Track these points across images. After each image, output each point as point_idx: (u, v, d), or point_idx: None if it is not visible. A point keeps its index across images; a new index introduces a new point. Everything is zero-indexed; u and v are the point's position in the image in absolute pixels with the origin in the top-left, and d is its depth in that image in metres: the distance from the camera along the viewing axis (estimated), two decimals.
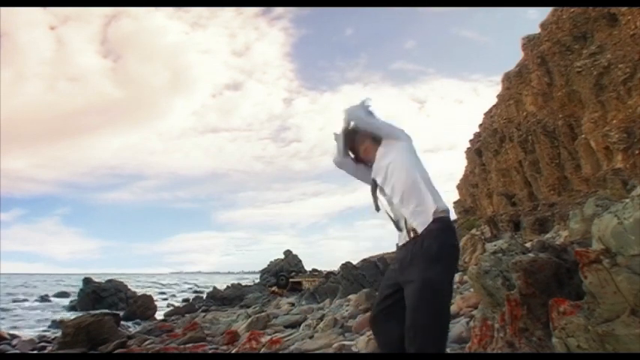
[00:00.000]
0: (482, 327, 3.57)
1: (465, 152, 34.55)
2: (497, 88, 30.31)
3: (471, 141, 33.48)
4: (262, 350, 6.26)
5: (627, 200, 2.52)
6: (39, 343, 11.45)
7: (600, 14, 20.21)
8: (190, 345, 7.88)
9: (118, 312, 17.22)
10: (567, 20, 22.02)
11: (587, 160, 19.97)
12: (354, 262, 19.74)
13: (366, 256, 29.07)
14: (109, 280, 25.77)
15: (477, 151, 31.32)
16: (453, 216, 34.09)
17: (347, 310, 9.56)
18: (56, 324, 15.66)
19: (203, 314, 17.33)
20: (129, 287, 26.21)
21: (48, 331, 15.09)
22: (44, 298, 31.87)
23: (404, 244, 1.97)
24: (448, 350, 4.63)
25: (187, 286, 56.72)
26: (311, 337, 6.87)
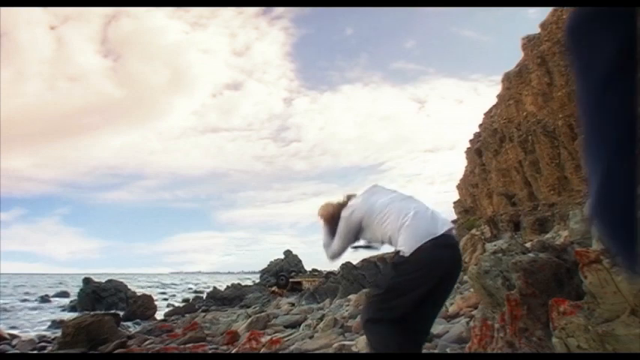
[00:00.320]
0: (482, 327, 3.57)
1: (465, 152, 34.56)
2: (497, 88, 30.34)
3: (471, 141, 33.49)
4: (262, 350, 6.26)
5: None
6: (39, 343, 11.45)
7: None
8: (190, 345, 7.88)
9: (118, 312, 17.23)
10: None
11: None
12: (354, 262, 19.76)
13: (366, 256, 29.08)
14: (109, 280, 25.76)
15: (477, 151, 31.33)
16: (453, 216, 34.02)
17: (347, 310, 9.56)
18: (56, 324, 15.66)
19: (203, 314, 17.33)
20: (129, 287, 26.21)
21: (48, 331, 15.10)
22: (44, 298, 31.86)
23: None
24: (448, 350, 4.63)
25: (187, 286, 56.72)
26: (311, 337, 6.87)
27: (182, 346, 7.75)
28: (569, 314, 2.62)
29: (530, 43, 25.07)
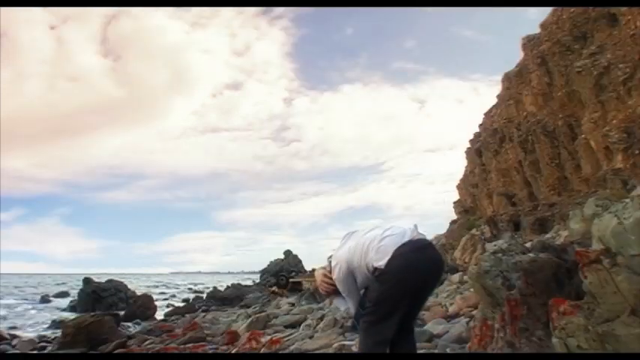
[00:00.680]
0: (482, 327, 3.57)
1: (465, 152, 34.49)
2: (497, 88, 30.29)
3: (471, 141, 33.43)
4: (262, 350, 6.26)
5: (627, 200, 2.52)
6: (39, 343, 11.45)
7: (600, 14, 20.21)
8: (190, 345, 7.88)
9: (118, 312, 17.23)
10: (567, 20, 22.01)
11: (587, 160, 19.96)
12: None
13: None
14: (109, 280, 25.75)
15: (477, 151, 31.28)
16: (452, 216, 33.92)
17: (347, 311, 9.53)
18: (56, 324, 15.66)
19: (203, 314, 17.34)
20: (129, 287, 26.21)
21: (48, 331, 15.10)
22: (44, 298, 31.86)
23: None
24: (448, 350, 4.63)
25: (187, 286, 56.70)
26: (311, 337, 6.87)
27: (182, 346, 7.75)
28: (569, 314, 2.61)
29: (530, 43, 25.05)
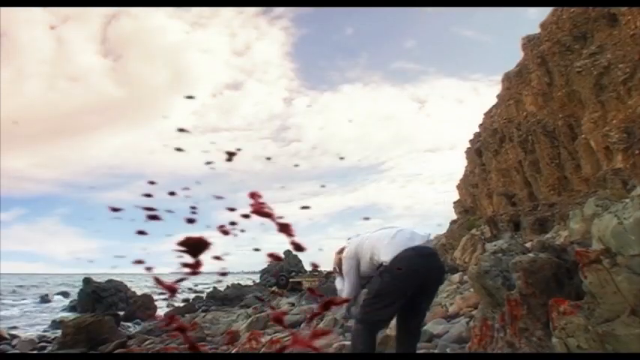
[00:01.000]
0: (482, 327, 3.57)
1: (465, 152, 34.51)
2: (498, 88, 30.29)
3: (470, 141, 33.44)
4: (262, 350, 6.26)
5: (627, 200, 2.52)
6: (39, 343, 11.44)
7: (600, 14, 20.20)
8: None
9: (118, 312, 17.23)
10: (567, 20, 22.01)
11: (587, 160, 19.97)
12: None
13: None
14: (109, 280, 25.74)
15: (477, 151, 31.30)
16: (453, 216, 33.97)
17: None
18: (56, 324, 15.64)
19: (203, 314, 17.33)
20: (129, 287, 26.20)
21: (48, 331, 15.08)
22: (44, 298, 31.84)
23: None
24: (448, 350, 4.63)
25: (187, 286, 56.60)
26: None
27: (182, 346, 7.73)
28: (569, 314, 2.62)
29: (530, 43, 25.05)
